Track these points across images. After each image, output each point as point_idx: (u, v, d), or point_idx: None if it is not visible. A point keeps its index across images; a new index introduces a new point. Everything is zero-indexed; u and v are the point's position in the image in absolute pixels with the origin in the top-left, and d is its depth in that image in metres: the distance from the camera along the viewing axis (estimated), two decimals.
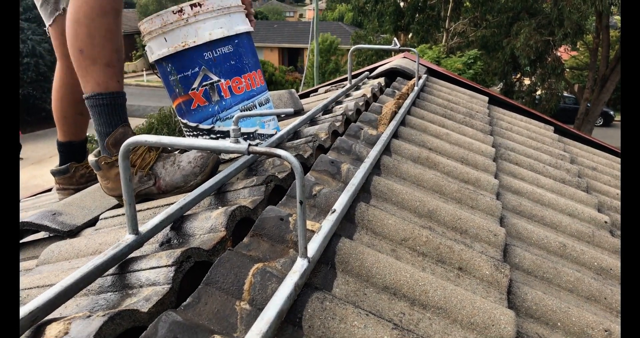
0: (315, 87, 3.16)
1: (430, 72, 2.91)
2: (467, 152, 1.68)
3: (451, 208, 1.21)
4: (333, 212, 0.96)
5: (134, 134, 1.36)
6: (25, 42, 16.87)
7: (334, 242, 0.91)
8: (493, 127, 2.22)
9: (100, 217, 1.29)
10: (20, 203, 3.38)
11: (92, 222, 1.36)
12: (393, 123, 1.64)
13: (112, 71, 1.24)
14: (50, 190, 3.61)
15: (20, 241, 1.42)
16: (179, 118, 1.54)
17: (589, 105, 13.25)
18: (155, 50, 1.46)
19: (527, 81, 14.81)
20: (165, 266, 0.78)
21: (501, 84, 15.02)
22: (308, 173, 1.21)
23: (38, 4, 1.47)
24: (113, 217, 1.26)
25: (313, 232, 0.93)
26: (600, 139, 3.75)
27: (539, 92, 13.97)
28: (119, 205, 1.42)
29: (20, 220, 1.34)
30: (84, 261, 1.02)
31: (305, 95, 3.01)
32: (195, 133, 1.52)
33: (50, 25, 1.48)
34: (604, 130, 16.96)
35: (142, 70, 27.64)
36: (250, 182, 1.13)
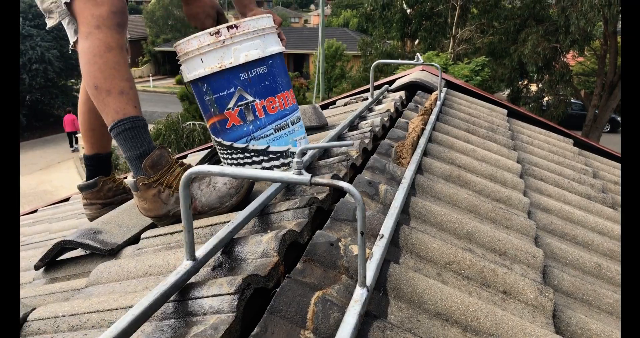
0: (333, 98, 3.19)
1: (448, 85, 2.93)
2: (495, 169, 1.70)
3: (488, 229, 1.23)
4: (381, 237, 0.98)
5: (170, 155, 1.38)
6: (34, 49, 17.03)
7: (384, 268, 0.93)
8: (515, 142, 2.23)
9: (142, 236, 1.31)
10: (39, 213, 3.42)
11: (132, 240, 1.39)
12: (422, 140, 1.67)
13: (126, 98, 1.32)
14: (67, 199, 3.65)
15: (59, 258, 1.45)
16: (213, 136, 1.57)
17: (596, 111, 13.23)
18: (192, 70, 1.48)
19: (534, 87, 14.83)
20: (228, 294, 0.80)
21: (507, 90, 15.05)
22: (347, 195, 1.23)
23: (65, 23, 1.51)
24: (155, 236, 1.29)
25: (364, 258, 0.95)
26: (608, 146, 3.76)
27: (546, 99, 13.96)
28: (154, 225, 1.44)
29: (62, 239, 1.37)
30: (134, 283, 1.05)
31: (324, 107, 3.04)
32: (228, 151, 1.54)
33: (74, 43, 1.52)
34: (611, 136, 16.91)
35: (149, 76, 27.84)
36: (293, 204, 1.15)
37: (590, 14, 10.94)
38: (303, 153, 0.82)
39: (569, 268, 1.27)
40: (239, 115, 1.48)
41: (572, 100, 15.46)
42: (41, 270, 1.44)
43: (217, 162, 2.04)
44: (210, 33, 1.43)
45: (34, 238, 2.34)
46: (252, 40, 1.46)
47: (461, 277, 1.03)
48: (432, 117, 1.99)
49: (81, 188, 1.79)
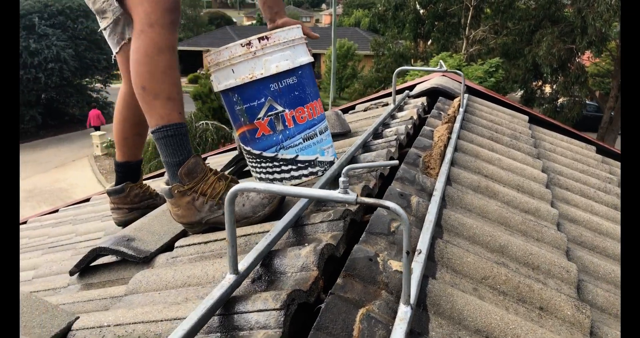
0: (353, 103, 3.20)
1: (468, 90, 2.92)
2: (522, 179, 1.70)
3: (520, 242, 1.23)
4: (419, 253, 0.99)
5: (204, 163, 1.41)
6: (50, 48, 17.23)
7: (423, 283, 0.94)
8: (539, 150, 2.22)
9: (176, 244, 1.34)
10: (60, 213, 3.47)
11: (164, 248, 1.41)
12: (449, 149, 1.67)
13: (172, 104, 1.32)
14: (88, 200, 3.70)
15: (92, 264, 1.48)
16: (242, 145, 1.59)
17: (612, 113, 13.08)
18: (222, 80, 1.50)
19: (547, 88, 14.70)
20: (274, 309, 0.81)
21: (520, 91, 14.94)
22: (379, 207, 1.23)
23: (106, 34, 1.54)
24: (189, 245, 1.31)
25: (401, 272, 0.96)
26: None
27: (560, 100, 13.83)
28: (185, 232, 1.47)
29: (97, 246, 1.39)
30: (173, 293, 1.07)
31: (343, 112, 3.04)
32: (257, 160, 1.56)
33: (117, 53, 1.55)
34: None
35: None
36: (327, 216, 1.17)
37: (607, 15, 10.82)
38: (349, 173, 0.83)
39: (601, 283, 1.27)
40: (268, 124, 1.50)
41: (587, 102, 15.30)
42: (75, 275, 1.47)
43: (243, 167, 2.07)
44: (241, 44, 1.45)
45: (61, 240, 2.38)
46: (283, 51, 1.47)
47: (497, 292, 1.04)
48: (457, 125, 1.99)
49: (109, 193, 1.81)
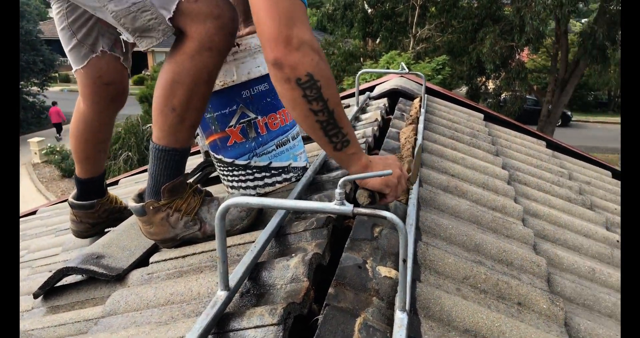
0: None
1: (426, 91, 3.00)
2: (486, 177, 1.77)
3: (493, 240, 1.28)
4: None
5: (187, 182, 1.35)
6: None
7: (412, 288, 0.96)
8: (497, 147, 2.33)
9: (151, 260, 1.29)
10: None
11: (137, 264, 1.36)
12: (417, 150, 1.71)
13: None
14: (34, 213, 3.48)
15: (57, 284, 1.40)
16: (213, 154, 1.55)
17: (550, 106, 13.89)
18: None
19: (490, 84, 15.40)
20: (271, 325, 0.80)
21: (465, 87, 15.55)
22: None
23: (68, 48, 1.41)
24: (165, 260, 1.27)
25: (390, 278, 0.98)
26: (560, 138, 3.97)
27: (503, 95, 14.52)
28: (157, 246, 1.42)
29: (64, 266, 1.32)
30: (157, 313, 1.03)
31: None
32: (229, 168, 1.54)
33: (82, 68, 1.42)
34: (562, 130, 17.81)
35: None
36: (310, 224, 1.17)
37: (543, 14, 11.46)
38: (344, 185, 0.83)
39: (566, 274, 1.35)
40: (241, 132, 1.48)
41: (527, 96, 16.16)
42: (39, 297, 1.38)
43: (208, 174, 2.02)
44: None
45: None
46: (255, 58, 1.45)
47: (478, 290, 1.08)
48: (420, 126, 2.04)
49: (72, 206, 1.71)
